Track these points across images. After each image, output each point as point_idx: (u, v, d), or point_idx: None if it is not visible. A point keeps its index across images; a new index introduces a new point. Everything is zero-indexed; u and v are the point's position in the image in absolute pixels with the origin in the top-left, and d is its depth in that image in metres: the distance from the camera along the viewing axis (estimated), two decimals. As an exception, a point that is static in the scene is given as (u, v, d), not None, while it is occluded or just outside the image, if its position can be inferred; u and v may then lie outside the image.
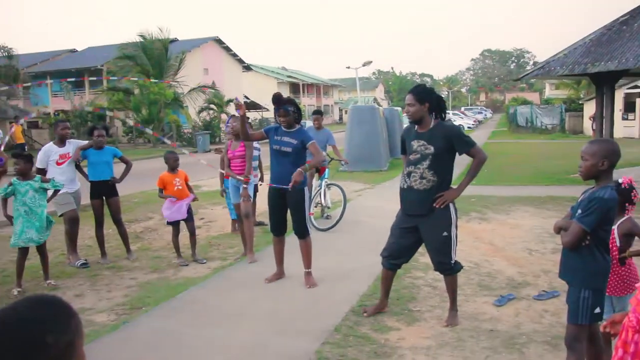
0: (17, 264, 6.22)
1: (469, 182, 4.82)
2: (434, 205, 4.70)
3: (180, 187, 7.19)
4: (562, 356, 4.06)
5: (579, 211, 3.18)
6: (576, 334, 3.31)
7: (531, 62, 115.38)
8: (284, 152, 5.89)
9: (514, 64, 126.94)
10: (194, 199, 7.35)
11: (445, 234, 4.74)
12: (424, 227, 4.81)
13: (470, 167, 4.82)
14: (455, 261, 4.87)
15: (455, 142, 4.70)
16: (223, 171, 7.98)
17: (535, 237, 8.00)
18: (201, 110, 36.68)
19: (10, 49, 32.89)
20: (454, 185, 4.89)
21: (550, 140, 30.75)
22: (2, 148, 15.72)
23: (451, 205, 4.80)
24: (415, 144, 4.74)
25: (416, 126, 4.81)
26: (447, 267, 4.84)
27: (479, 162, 4.79)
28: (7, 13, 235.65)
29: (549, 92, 61.39)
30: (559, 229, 3.34)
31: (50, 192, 6.51)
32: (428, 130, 4.74)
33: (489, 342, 4.49)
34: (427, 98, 4.72)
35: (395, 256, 5.02)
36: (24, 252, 6.22)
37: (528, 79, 17.24)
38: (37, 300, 1.25)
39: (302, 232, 6.06)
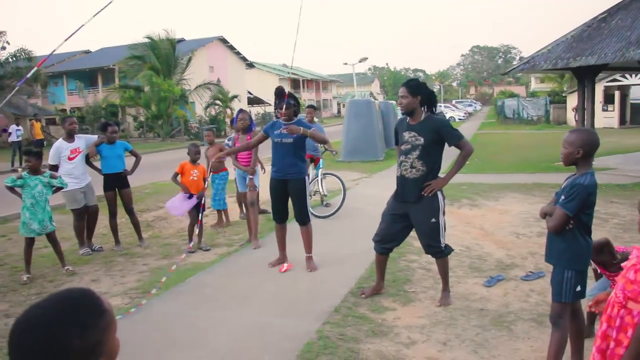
0: (25, 252, 6.24)
1: (455, 172, 4.82)
2: (422, 193, 4.68)
3: (195, 178, 7.21)
4: (547, 332, 4.05)
5: (562, 197, 3.17)
6: (560, 311, 3.30)
7: (517, 58, 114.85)
8: (286, 143, 5.86)
9: (501, 59, 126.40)
10: (200, 204, 7.24)
11: (433, 220, 4.73)
12: (413, 214, 4.80)
13: (458, 158, 4.80)
14: (446, 245, 4.85)
15: (445, 134, 4.68)
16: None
17: (523, 221, 7.99)
18: (207, 105, 36.62)
19: (30, 51, 32.74)
20: (442, 175, 4.86)
21: (535, 131, 30.69)
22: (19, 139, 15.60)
23: (439, 193, 4.79)
24: (406, 135, 4.74)
25: (408, 118, 4.79)
26: (437, 250, 4.83)
27: (466, 154, 4.77)
28: (27, 17, 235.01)
29: (534, 85, 61.23)
30: (544, 214, 3.33)
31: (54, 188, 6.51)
32: (419, 123, 4.73)
33: (479, 320, 4.49)
34: (419, 91, 4.70)
35: (386, 241, 5.00)
36: (30, 241, 6.24)
37: (514, 73, 17.19)
38: (66, 298, 1.14)
39: (303, 219, 6.04)
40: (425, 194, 4.69)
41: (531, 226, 7.64)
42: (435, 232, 4.75)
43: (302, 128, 5.70)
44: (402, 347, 4.05)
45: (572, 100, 29.88)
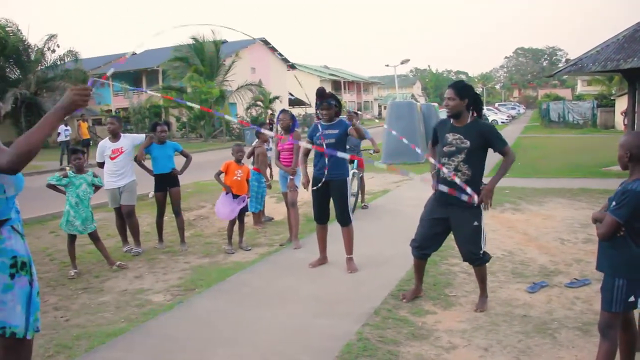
0: (68, 249, 6.45)
1: (500, 178, 4.71)
2: (479, 204, 4.62)
3: (239, 179, 7.24)
4: (593, 342, 3.99)
5: (613, 203, 3.10)
6: (610, 321, 3.22)
7: (563, 60, 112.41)
8: (328, 144, 5.90)
9: (546, 61, 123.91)
10: (244, 204, 7.34)
11: (475, 223, 4.66)
12: (454, 217, 4.74)
13: (502, 164, 4.72)
14: (484, 252, 4.78)
15: (491, 139, 4.62)
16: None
17: (568, 227, 7.82)
18: (249, 106, 36.99)
19: (77, 53, 33.70)
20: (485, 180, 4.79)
21: (581, 135, 29.96)
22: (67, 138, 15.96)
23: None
24: (450, 137, 4.67)
25: (452, 120, 4.74)
26: (476, 257, 4.75)
27: (510, 161, 4.71)
28: (74, 21, 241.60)
29: (580, 88, 59.89)
30: (595, 220, 3.26)
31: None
32: (464, 126, 4.66)
33: (522, 326, 4.42)
34: (466, 94, 4.64)
35: (424, 246, 4.95)
36: (72, 238, 6.43)
37: (560, 75, 16.86)
38: None
39: (345, 220, 6.06)
40: (485, 208, 4.67)
41: (576, 232, 7.47)
42: (476, 236, 4.69)
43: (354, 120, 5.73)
44: (443, 351, 4.02)
45: (621, 104, 29.06)
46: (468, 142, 4.58)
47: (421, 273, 5.14)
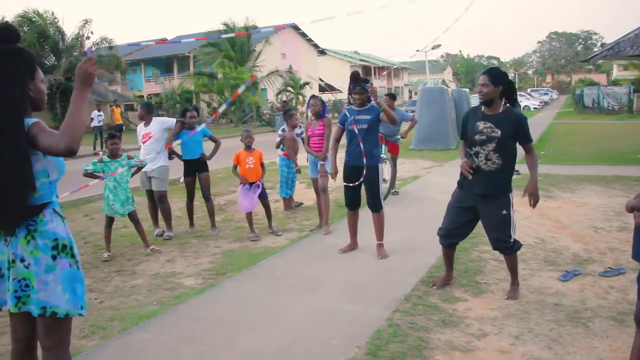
0: (105, 232, 6.55)
1: (537, 176, 4.61)
2: (530, 205, 4.58)
3: (251, 166, 7.09)
4: (628, 332, 3.90)
5: None
6: (647, 311, 3.14)
7: (599, 44, 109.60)
8: (361, 129, 5.86)
9: (581, 45, 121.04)
10: (261, 188, 7.18)
11: (504, 212, 4.58)
12: (483, 207, 4.66)
13: (531, 162, 4.61)
14: (515, 240, 4.70)
15: (521, 131, 4.52)
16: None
17: (601, 215, 7.65)
18: (279, 92, 37.02)
19: (111, 39, 34.09)
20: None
21: (617, 121, 29.24)
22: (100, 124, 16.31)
23: (510, 186, 4.65)
24: (481, 125, 4.57)
25: (483, 108, 4.64)
26: (507, 246, 4.67)
27: (536, 158, 4.63)
28: (109, 8, 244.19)
29: (616, 73, 58.41)
30: (631, 209, 3.16)
31: (134, 169, 6.78)
32: (497, 114, 4.55)
33: (554, 315, 4.35)
34: (500, 81, 4.52)
35: (451, 235, 4.89)
36: (109, 221, 6.54)
37: (596, 60, 16.45)
38: None
39: (377, 206, 6.03)
40: (531, 207, 4.60)
41: (611, 220, 7.31)
42: (506, 225, 4.61)
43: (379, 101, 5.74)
44: (473, 338, 3.98)
45: (659, 89, 28.30)
46: (499, 132, 4.48)
47: (451, 260, 5.09)
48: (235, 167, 7.20)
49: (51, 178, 2.65)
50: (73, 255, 2.69)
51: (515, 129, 4.49)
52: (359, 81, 5.91)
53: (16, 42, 2.61)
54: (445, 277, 5.11)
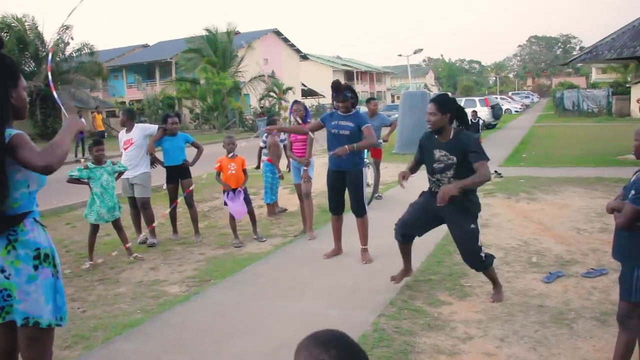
0: (89, 240, 6.48)
1: (467, 185, 4.33)
2: (437, 204, 4.36)
3: (233, 172, 7.04)
4: (611, 332, 3.94)
5: (632, 192, 3.04)
6: (628, 311, 3.18)
7: (577, 48, 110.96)
8: (342, 135, 5.86)
9: (560, 49, 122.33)
10: (245, 192, 7.14)
11: (472, 226, 4.51)
12: (451, 223, 4.65)
13: (475, 175, 4.30)
14: (486, 255, 4.63)
15: (468, 153, 4.39)
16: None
17: (584, 216, 7.73)
18: (262, 97, 36.98)
19: (92, 45, 33.81)
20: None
21: (596, 124, 29.58)
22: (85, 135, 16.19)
23: (476, 198, 4.62)
24: (437, 153, 4.56)
25: (436, 135, 4.61)
26: (478, 262, 4.60)
27: (481, 178, 4.31)
28: (89, 13, 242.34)
29: (595, 76, 59.16)
30: (612, 210, 3.20)
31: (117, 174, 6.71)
32: (449, 141, 4.53)
33: (538, 316, 4.38)
34: (447, 108, 4.50)
35: (409, 233, 4.97)
36: (94, 229, 6.47)
37: (575, 63, 16.70)
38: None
39: (360, 211, 6.03)
40: (440, 204, 4.33)
41: (592, 221, 7.39)
42: (474, 241, 4.52)
43: (347, 147, 5.65)
44: (459, 341, 4.00)
45: (637, 91, 28.72)
46: (454, 158, 4.46)
47: (408, 255, 5.12)
48: (218, 174, 7.16)
49: (31, 189, 2.63)
50: (54, 265, 2.66)
51: (464, 153, 4.42)
52: (341, 90, 5.91)
53: None
54: (404, 272, 5.15)
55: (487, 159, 4.41)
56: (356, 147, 5.72)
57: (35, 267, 2.58)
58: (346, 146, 5.66)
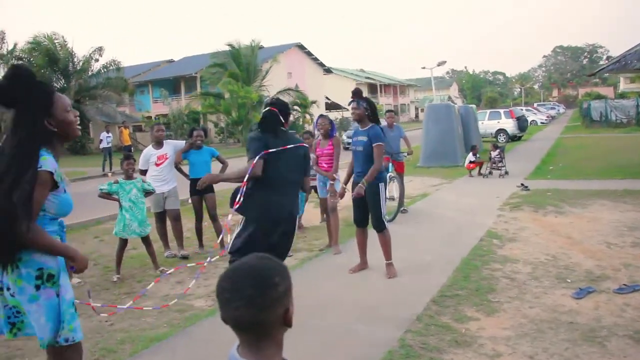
0: (117, 254, 6.55)
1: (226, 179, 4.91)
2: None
3: None
4: (646, 351, 3.84)
5: None
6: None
7: (605, 57, 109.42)
8: (357, 151, 5.93)
9: (586, 59, 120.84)
10: None
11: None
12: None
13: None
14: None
15: None
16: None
17: (614, 230, 7.58)
18: (286, 111, 37.07)
19: (119, 62, 34.44)
20: None
21: (625, 134, 29.04)
22: (109, 145, 16.48)
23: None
24: None
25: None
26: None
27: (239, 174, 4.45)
28: (116, 30, 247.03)
29: (623, 85, 58.15)
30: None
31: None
32: None
33: (569, 334, 4.29)
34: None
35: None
36: (123, 243, 6.54)
37: (603, 73, 16.45)
38: (262, 256, 1.48)
39: (379, 226, 5.99)
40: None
41: (623, 236, 7.24)
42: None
43: (362, 187, 5.76)
44: (487, 358, 3.93)
45: (667, 102, 28.16)
46: None
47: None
48: None
49: (47, 212, 2.65)
50: (59, 286, 2.66)
51: None
52: (356, 96, 5.91)
53: (26, 82, 2.60)
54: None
55: (252, 157, 4.39)
56: (365, 181, 5.76)
57: (37, 287, 2.58)
58: (361, 185, 5.76)
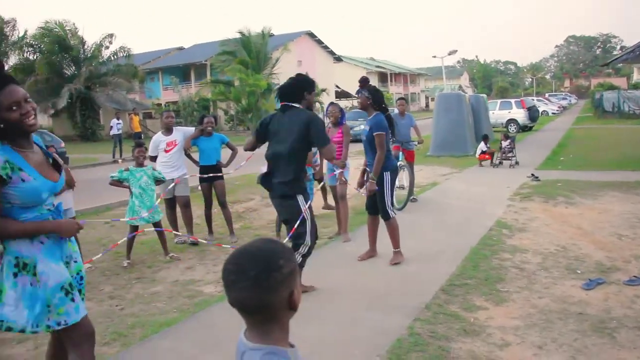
0: (128, 240, 6.55)
1: None
2: None
3: None
4: (656, 342, 3.83)
5: None
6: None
7: (618, 47, 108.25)
8: (363, 140, 5.98)
9: (599, 49, 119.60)
10: None
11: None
12: None
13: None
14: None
15: None
16: None
17: (625, 222, 7.54)
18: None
19: (129, 49, 34.48)
20: None
21: (638, 125, 28.75)
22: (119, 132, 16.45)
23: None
24: None
25: None
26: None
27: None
28: (126, 17, 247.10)
29: (637, 76, 57.51)
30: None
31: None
32: None
33: (578, 324, 4.28)
34: None
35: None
36: (133, 229, 6.56)
37: (616, 63, 16.27)
38: (268, 240, 1.51)
39: (385, 215, 5.99)
40: None
41: (634, 227, 7.20)
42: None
43: (373, 183, 5.82)
44: (495, 348, 3.93)
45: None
46: None
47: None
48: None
49: (14, 203, 2.67)
50: (35, 274, 2.70)
51: None
52: (362, 85, 5.89)
53: None
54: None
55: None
56: (373, 176, 5.81)
57: (15, 275, 2.66)
58: (371, 181, 5.82)
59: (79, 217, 8.80)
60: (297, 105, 4.80)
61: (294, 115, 4.70)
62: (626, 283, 5.14)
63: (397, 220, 6.05)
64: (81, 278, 2.97)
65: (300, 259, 4.85)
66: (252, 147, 5.15)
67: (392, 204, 6.01)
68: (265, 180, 4.94)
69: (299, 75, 5.04)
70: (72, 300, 2.76)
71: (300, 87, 4.86)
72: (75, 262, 2.94)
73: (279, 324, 1.49)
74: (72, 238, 2.96)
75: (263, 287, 1.39)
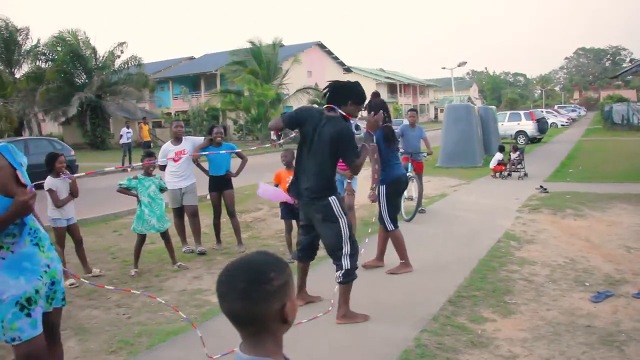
0: (135, 249, 6.59)
1: None
2: None
3: None
4: (665, 356, 3.79)
5: None
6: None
7: (628, 60, 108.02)
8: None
9: (609, 61, 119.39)
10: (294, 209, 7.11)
11: None
12: None
13: None
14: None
15: None
16: None
17: (634, 234, 7.49)
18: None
19: (140, 58, 34.76)
20: None
21: (647, 138, 28.67)
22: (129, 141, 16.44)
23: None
24: None
25: None
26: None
27: None
28: (137, 27, 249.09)
29: (647, 89, 57.32)
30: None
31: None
32: None
33: (586, 337, 4.25)
34: None
35: None
36: (142, 238, 6.58)
37: (626, 75, 16.19)
38: (261, 252, 1.52)
39: (385, 227, 6.04)
40: None
41: (644, 240, 7.15)
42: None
43: (374, 194, 5.81)
44: (503, 360, 3.91)
45: (690, 106, 27.65)
46: None
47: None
48: (276, 186, 7.12)
49: None
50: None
51: None
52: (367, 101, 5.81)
53: None
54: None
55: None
56: (373, 187, 5.81)
57: None
58: (373, 192, 5.81)
59: (87, 225, 8.86)
60: (338, 111, 4.65)
61: (330, 125, 4.54)
62: (635, 296, 5.10)
63: (400, 232, 6.05)
64: (52, 284, 2.97)
65: (341, 278, 4.75)
66: (277, 129, 5.04)
67: (391, 217, 5.99)
68: (292, 188, 4.95)
69: (355, 82, 4.89)
70: (28, 315, 2.78)
71: (348, 93, 4.69)
72: (50, 268, 2.96)
73: (272, 336, 1.50)
74: (49, 246, 2.97)
75: (253, 299, 1.40)
